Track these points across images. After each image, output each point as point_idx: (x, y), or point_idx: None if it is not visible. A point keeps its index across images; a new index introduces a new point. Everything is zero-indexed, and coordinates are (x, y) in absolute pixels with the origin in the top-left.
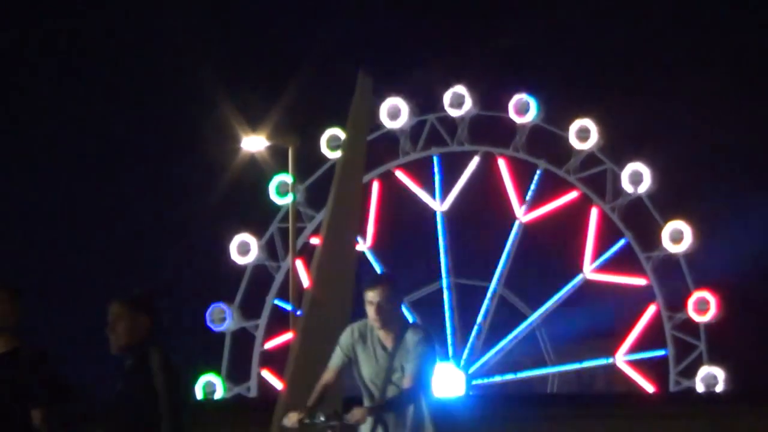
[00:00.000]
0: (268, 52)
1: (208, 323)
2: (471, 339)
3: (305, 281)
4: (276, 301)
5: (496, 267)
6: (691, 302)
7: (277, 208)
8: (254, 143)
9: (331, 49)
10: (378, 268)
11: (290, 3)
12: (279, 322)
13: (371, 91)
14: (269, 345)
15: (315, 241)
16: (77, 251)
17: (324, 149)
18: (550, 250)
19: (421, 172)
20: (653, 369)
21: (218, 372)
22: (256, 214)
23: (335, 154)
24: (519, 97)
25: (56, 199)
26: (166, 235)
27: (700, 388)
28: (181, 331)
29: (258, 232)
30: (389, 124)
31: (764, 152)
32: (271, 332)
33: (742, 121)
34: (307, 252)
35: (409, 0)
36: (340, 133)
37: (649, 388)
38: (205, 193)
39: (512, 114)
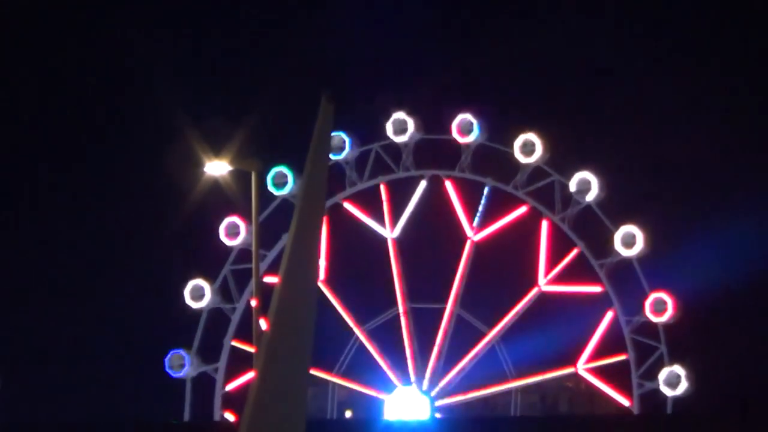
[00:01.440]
0: (231, 79)
1: (168, 369)
2: (431, 362)
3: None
4: (234, 343)
5: (451, 288)
6: (648, 304)
7: (228, 249)
8: (217, 168)
9: (287, 80)
10: (333, 302)
11: (251, 31)
12: (239, 362)
13: (332, 117)
14: (230, 387)
15: (272, 279)
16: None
17: (270, 187)
18: (504, 266)
19: (369, 201)
20: (616, 374)
21: (179, 420)
22: (207, 258)
23: (281, 192)
24: (462, 118)
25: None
26: (119, 275)
27: (663, 389)
28: (139, 378)
29: (211, 276)
30: (334, 156)
31: (710, 157)
32: (231, 374)
33: (688, 125)
34: (264, 293)
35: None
36: (285, 170)
37: (613, 394)
38: (157, 234)
39: (456, 135)
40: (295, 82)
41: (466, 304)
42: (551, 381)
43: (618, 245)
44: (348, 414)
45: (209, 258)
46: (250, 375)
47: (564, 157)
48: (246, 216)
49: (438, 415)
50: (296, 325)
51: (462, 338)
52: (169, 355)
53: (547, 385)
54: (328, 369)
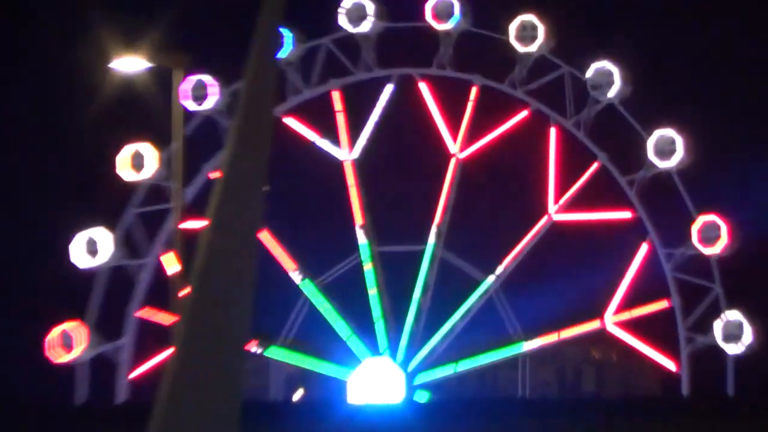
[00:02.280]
0: None
1: (50, 351)
2: (408, 324)
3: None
4: (142, 314)
5: (430, 225)
6: (695, 231)
7: (130, 188)
8: (130, 64)
9: None
10: (277, 251)
11: None
12: (149, 339)
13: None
14: (138, 371)
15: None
16: None
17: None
18: (501, 191)
19: (318, 114)
20: (656, 329)
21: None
22: (104, 198)
23: (203, 108)
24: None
25: None
26: None
27: (721, 344)
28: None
29: (109, 223)
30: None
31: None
32: (139, 355)
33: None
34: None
35: None
36: (207, 79)
37: (654, 355)
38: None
39: (431, 21)
40: None
41: (453, 244)
42: (571, 349)
43: (651, 154)
44: (299, 394)
45: (106, 198)
46: (165, 354)
47: (575, 43)
48: (156, 141)
49: (419, 396)
50: (229, 287)
51: (448, 291)
52: (53, 332)
53: (566, 354)
54: (270, 340)
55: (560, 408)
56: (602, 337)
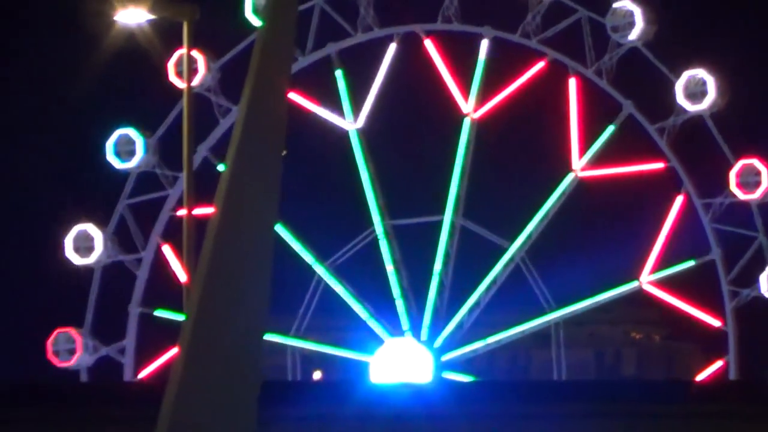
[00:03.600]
0: None
1: (51, 357)
2: (431, 300)
3: (181, 275)
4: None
5: (446, 193)
6: (733, 176)
7: (121, 175)
8: (133, 15)
9: None
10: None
11: None
12: (154, 339)
13: None
14: (144, 373)
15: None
16: None
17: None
18: (521, 151)
19: (317, 81)
20: (697, 285)
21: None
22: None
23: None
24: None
25: None
26: None
27: None
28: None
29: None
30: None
31: None
32: (144, 356)
33: None
34: (178, 235)
35: None
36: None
37: (696, 313)
38: None
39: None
40: None
41: (472, 211)
42: (611, 329)
43: (681, 98)
44: (317, 375)
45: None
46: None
47: None
48: (144, 129)
49: (448, 376)
50: (241, 278)
51: (471, 261)
52: (52, 337)
53: (605, 335)
54: (283, 329)
55: (599, 391)
56: (645, 317)
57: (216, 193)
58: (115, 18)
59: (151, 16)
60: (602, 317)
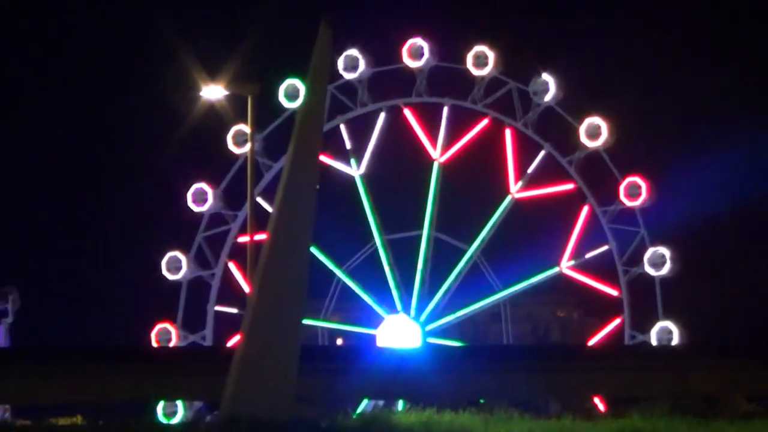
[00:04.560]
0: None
1: (154, 344)
2: (437, 297)
3: (244, 286)
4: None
5: (424, 214)
6: (622, 188)
7: (198, 216)
8: (213, 92)
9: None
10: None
11: None
12: (224, 328)
13: (331, 42)
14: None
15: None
16: None
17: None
18: (474, 182)
19: (331, 142)
20: (601, 268)
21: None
22: (177, 227)
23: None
24: (411, 43)
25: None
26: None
27: (648, 270)
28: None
29: (186, 247)
30: (289, 104)
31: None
32: (218, 341)
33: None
34: (239, 255)
35: None
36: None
37: (601, 287)
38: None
39: (407, 61)
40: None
41: (443, 226)
42: (543, 309)
43: (583, 138)
44: (339, 342)
45: (179, 227)
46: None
47: (518, 64)
48: (212, 181)
49: (431, 340)
50: (286, 284)
51: (443, 260)
52: (155, 330)
53: (539, 314)
54: (315, 314)
55: (535, 353)
56: (567, 300)
57: (268, 224)
58: (201, 93)
59: (227, 92)
60: (537, 300)
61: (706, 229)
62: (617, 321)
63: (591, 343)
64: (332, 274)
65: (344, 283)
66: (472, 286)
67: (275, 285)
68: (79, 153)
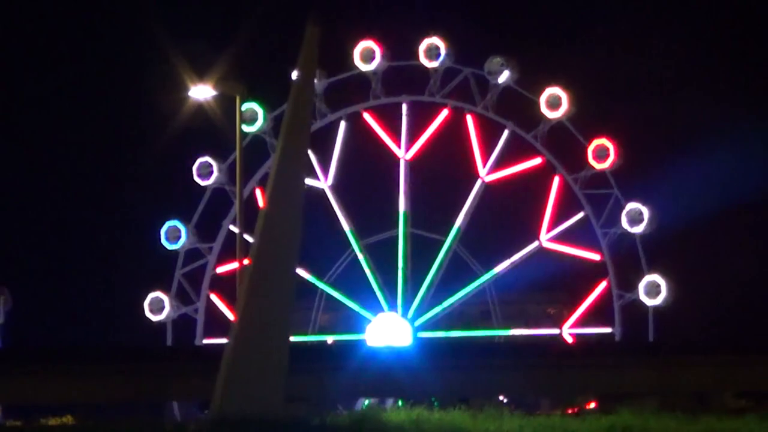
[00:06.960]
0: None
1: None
2: (421, 292)
3: (229, 315)
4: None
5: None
6: (590, 151)
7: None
8: (201, 92)
9: None
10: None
11: None
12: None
13: (317, 40)
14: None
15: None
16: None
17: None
18: (443, 173)
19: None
20: (580, 235)
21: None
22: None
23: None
24: (364, 46)
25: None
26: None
27: (625, 227)
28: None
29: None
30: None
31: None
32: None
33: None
34: (219, 286)
35: None
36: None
37: (582, 253)
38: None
39: (359, 64)
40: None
41: (418, 222)
42: (535, 308)
43: (544, 109)
44: (330, 340)
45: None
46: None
47: (472, 47)
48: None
49: (422, 335)
50: (279, 258)
51: (423, 256)
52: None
53: (530, 311)
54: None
55: (524, 349)
56: (557, 299)
57: (257, 222)
58: (189, 94)
59: (215, 92)
60: (529, 298)
61: (682, 186)
62: (603, 284)
63: (580, 309)
64: (315, 287)
65: (354, 257)
66: (455, 275)
67: (265, 283)
68: (70, 157)
